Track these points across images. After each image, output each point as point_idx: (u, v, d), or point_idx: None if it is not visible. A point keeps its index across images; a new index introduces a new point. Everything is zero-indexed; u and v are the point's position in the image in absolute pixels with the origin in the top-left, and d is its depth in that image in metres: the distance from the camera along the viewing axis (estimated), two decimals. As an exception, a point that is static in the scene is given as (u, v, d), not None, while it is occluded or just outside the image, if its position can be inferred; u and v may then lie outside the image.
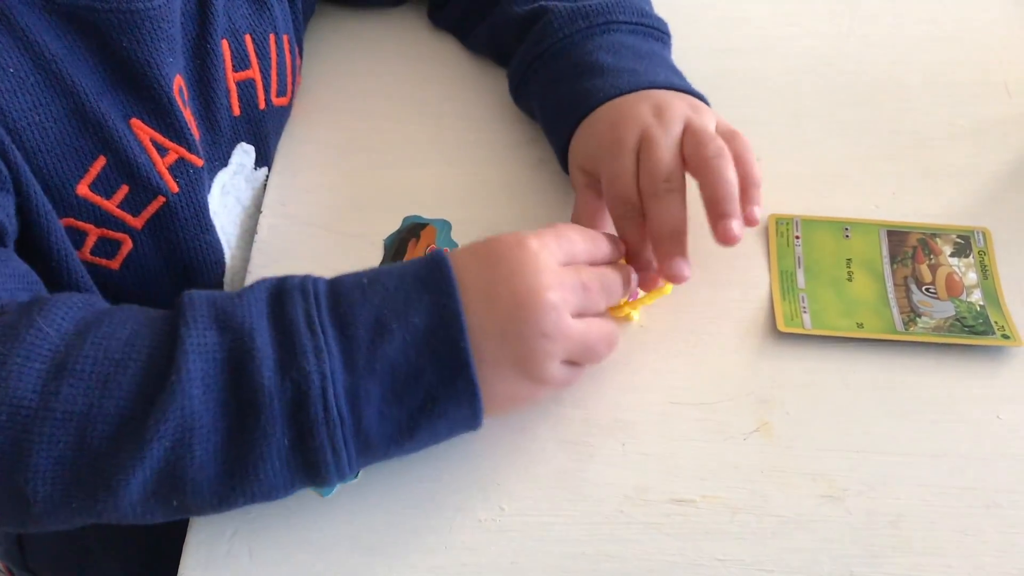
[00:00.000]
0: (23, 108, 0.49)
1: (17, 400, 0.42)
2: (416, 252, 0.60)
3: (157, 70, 0.53)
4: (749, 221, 0.54)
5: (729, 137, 0.55)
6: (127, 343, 0.44)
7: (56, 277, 0.52)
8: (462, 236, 0.61)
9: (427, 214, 0.62)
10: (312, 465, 0.44)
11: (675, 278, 0.53)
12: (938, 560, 0.48)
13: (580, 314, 0.49)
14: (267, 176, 0.65)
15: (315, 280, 0.47)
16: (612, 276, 0.52)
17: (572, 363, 0.50)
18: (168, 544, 0.52)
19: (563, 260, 0.49)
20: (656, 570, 0.48)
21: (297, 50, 0.68)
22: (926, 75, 0.71)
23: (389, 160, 0.66)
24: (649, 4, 0.66)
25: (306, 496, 0.51)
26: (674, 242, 0.53)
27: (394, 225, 0.62)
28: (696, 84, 0.62)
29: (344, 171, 0.65)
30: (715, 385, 0.54)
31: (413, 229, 0.62)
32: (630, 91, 0.58)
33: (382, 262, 0.60)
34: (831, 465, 0.51)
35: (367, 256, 0.60)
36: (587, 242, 0.51)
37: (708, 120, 0.56)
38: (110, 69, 0.52)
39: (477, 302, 0.46)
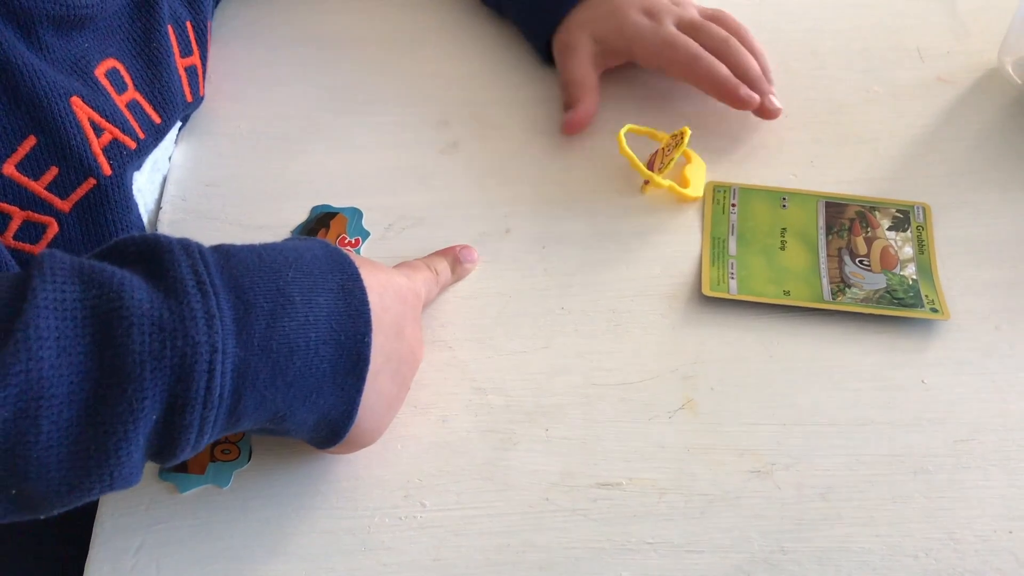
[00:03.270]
0: None
1: None
2: (326, 243, 0.58)
3: (78, 52, 0.52)
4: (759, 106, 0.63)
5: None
6: None
7: None
8: (374, 224, 0.59)
9: (336, 202, 0.60)
10: (171, 442, 0.39)
11: (774, 113, 0.63)
12: (868, 530, 0.48)
13: None
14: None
15: (196, 242, 0.41)
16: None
17: None
18: (70, 559, 0.49)
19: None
20: (584, 558, 0.47)
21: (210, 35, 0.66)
22: (840, 42, 0.70)
23: (294, 148, 0.63)
24: None
25: (217, 504, 0.48)
26: (762, 81, 0.63)
27: (302, 215, 0.59)
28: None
29: (247, 161, 0.62)
30: (639, 364, 0.53)
31: (323, 219, 0.59)
32: None
33: (290, 255, 0.57)
34: (758, 440, 0.51)
35: (275, 249, 0.57)
36: (436, 286, 0.55)
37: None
38: (43, 49, 0.50)
39: (389, 328, 0.45)
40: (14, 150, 0.49)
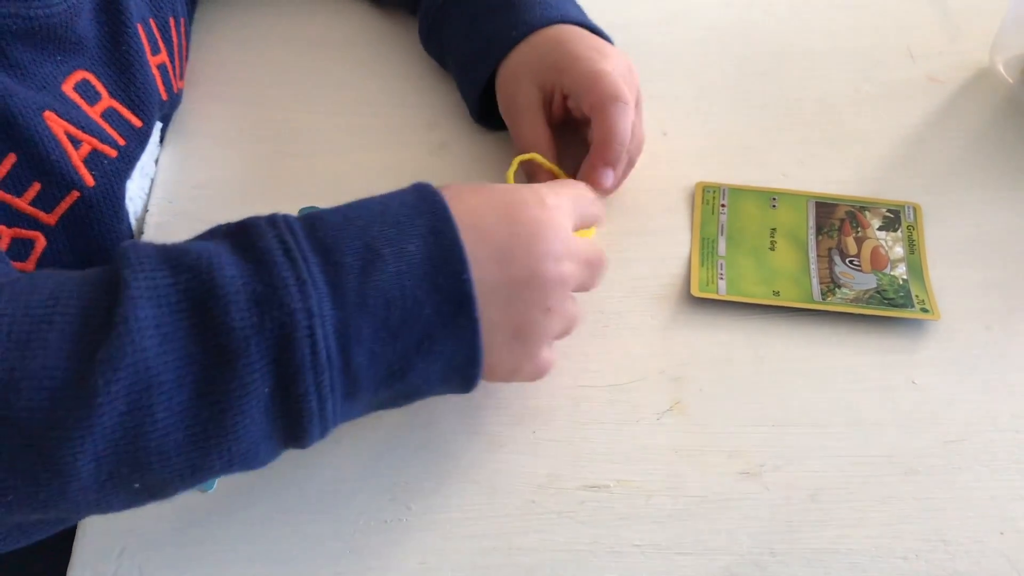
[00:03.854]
0: None
1: None
2: (314, 245, 0.58)
3: (47, 68, 0.51)
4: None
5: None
6: (51, 297, 0.37)
7: None
8: (361, 225, 0.58)
9: (324, 203, 0.59)
10: (294, 415, 0.39)
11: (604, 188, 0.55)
12: (858, 531, 0.47)
13: (577, 290, 0.48)
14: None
15: (282, 214, 0.42)
16: (599, 251, 0.50)
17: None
18: (52, 564, 0.49)
19: (576, 225, 0.48)
20: (571, 560, 0.46)
21: (185, 32, 0.66)
22: (830, 42, 0.70)
23: (282, 150, 0.63)
24: None
25: (200, 507, 0.48)
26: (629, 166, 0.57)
27: (289, 217, 0.59)
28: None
29: (234, 163, 0.62)
30: (626, 365, 0.53)
31: (310, 221, 0.59)
32: (557, 22, 0.58)
33: (277, 256, 0.57)
34: (747, 441, 0.50)
35: (261, 251, 0.57)
36: (596, 204, 0.51)
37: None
38: (11, 68, 0.50)
39: (488, 259, 0.43)
40: None
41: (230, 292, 0.38)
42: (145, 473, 0.38)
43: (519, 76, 0.58)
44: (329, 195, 0.59)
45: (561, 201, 0.47)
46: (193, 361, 0.37)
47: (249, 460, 0.40)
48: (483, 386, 0.51)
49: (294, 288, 0.38)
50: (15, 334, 0.36)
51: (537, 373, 0.48)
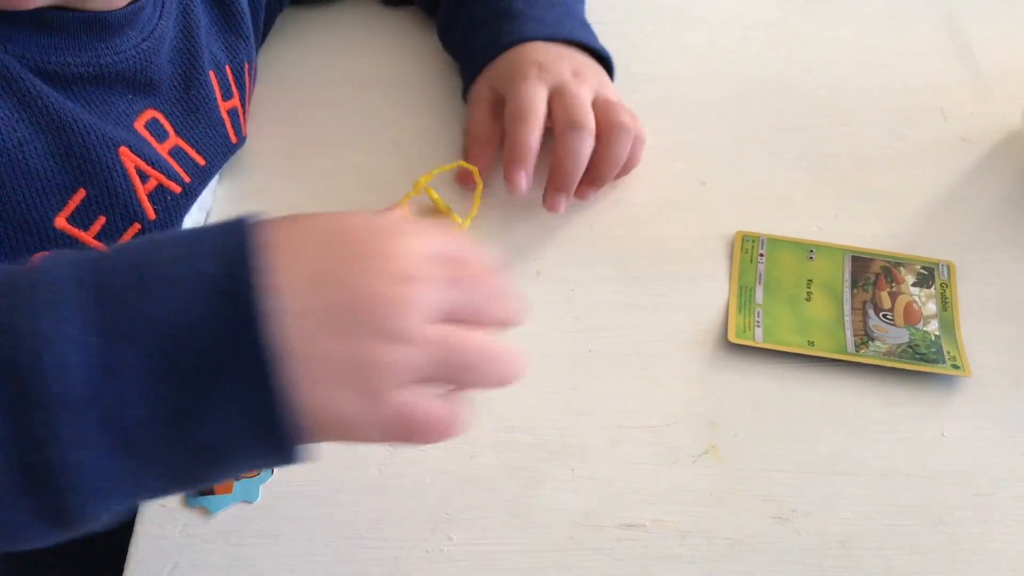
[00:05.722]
0: (6, 147, 0.47)
1: None
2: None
3: (120, 107, 0.54)
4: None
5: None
6: None
7: None
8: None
9: (373, 240, 0.62)
10: (36, 470, 0.31)
11: (519, 192, 0.61)
12: (887, 579, 0.49)
13: (452, 319, 0.37)
14: None
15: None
16: (501, 283, 0.40)
17: (437, 385, 0.37)
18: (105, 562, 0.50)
19: (432, 254, 0.37)
20: (607, 597, 0.48)
21: (255, 76, 0.69)
22: (865, 100, 0.72)
23: (334, 186, 0.65)
24: None
25: (250, 530, 0.49)
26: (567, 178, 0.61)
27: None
28: (639, 111, 0.64)
29: (288, 198, 0.64)
30: (664, 408, 0.54)
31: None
32: (546, 39, 0.66)
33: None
34: (780, 486, 0.51)
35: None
36: (468, 249, 0.40)
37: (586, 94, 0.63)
38: (88, 104, 0.52)
39: (303, 282, 0.34)
40: (65, 204, 0.50)
41: None
42: None
43: (481, 82, 0.66)
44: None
45: (412, 225, 0.39)
46: None
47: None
48: (523, 423, 0.54)
49: (38, 306, 0.32)
50: None
51: (399, 425, 0.36)
